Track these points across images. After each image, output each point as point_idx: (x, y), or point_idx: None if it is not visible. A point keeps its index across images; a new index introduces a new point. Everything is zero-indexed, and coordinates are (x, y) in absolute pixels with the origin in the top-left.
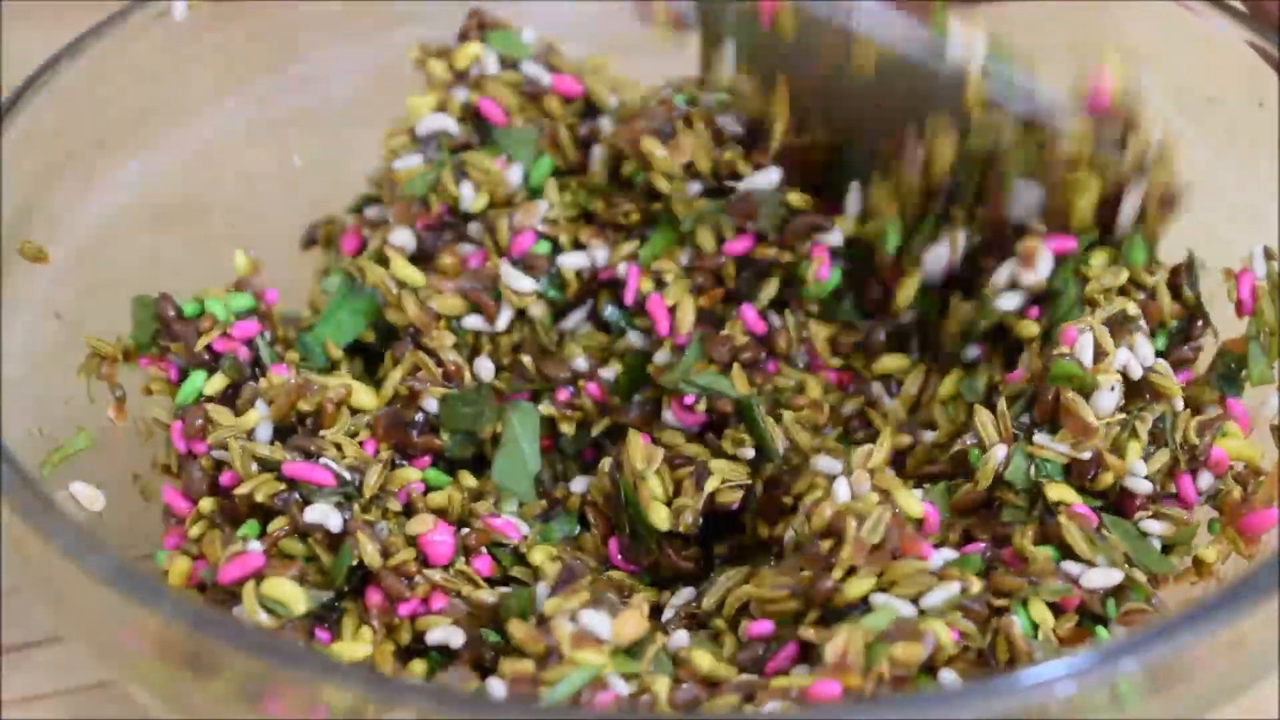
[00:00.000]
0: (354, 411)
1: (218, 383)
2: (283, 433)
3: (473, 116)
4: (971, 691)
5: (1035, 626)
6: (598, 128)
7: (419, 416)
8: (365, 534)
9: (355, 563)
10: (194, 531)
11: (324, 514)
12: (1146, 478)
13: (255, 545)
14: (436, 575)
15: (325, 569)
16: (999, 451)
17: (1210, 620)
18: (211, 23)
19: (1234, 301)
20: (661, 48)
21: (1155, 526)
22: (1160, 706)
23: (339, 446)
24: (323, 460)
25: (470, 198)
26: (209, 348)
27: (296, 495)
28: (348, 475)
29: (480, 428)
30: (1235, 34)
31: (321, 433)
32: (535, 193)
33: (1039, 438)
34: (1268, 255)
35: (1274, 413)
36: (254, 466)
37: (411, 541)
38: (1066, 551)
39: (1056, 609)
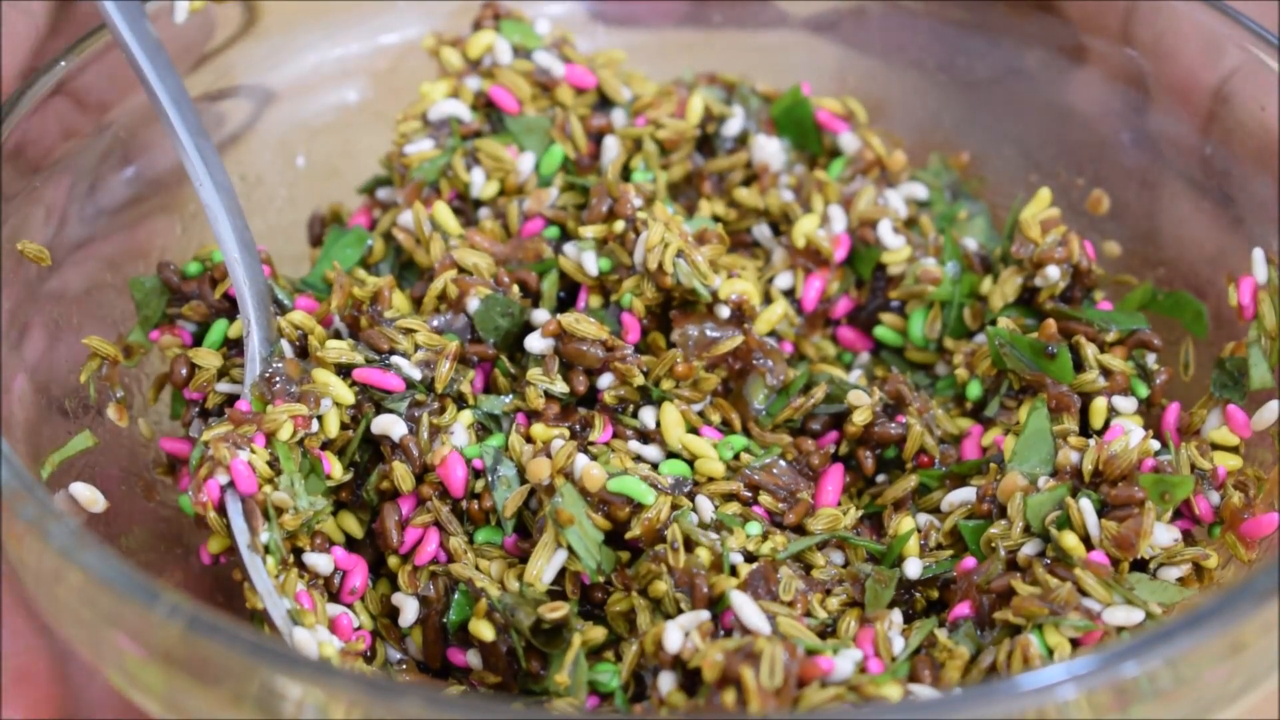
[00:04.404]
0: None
1: (241, 326)
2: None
3: (485, 105)
4: (973, 695)
5: (1051, 651)
6: (610, 121)
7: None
8: (405, 459)
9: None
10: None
11: (388, 425)
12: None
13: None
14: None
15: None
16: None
17: (1210, 625)
18: (212, 24)
19: (1235, 306)
20: None
21: (1173, 572)
22: (1162, 710)
23: (409, 331)
24: (394, 359)
25: (481, 184)
26: (225, 295)
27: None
28: (417, 375)
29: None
30: (1235, 34)
31: (387, 314)
32: (545, 182)
33: (1083, 501)
34: (1268, 259)
35: (1274, 417)
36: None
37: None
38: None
39: (1076, 643)
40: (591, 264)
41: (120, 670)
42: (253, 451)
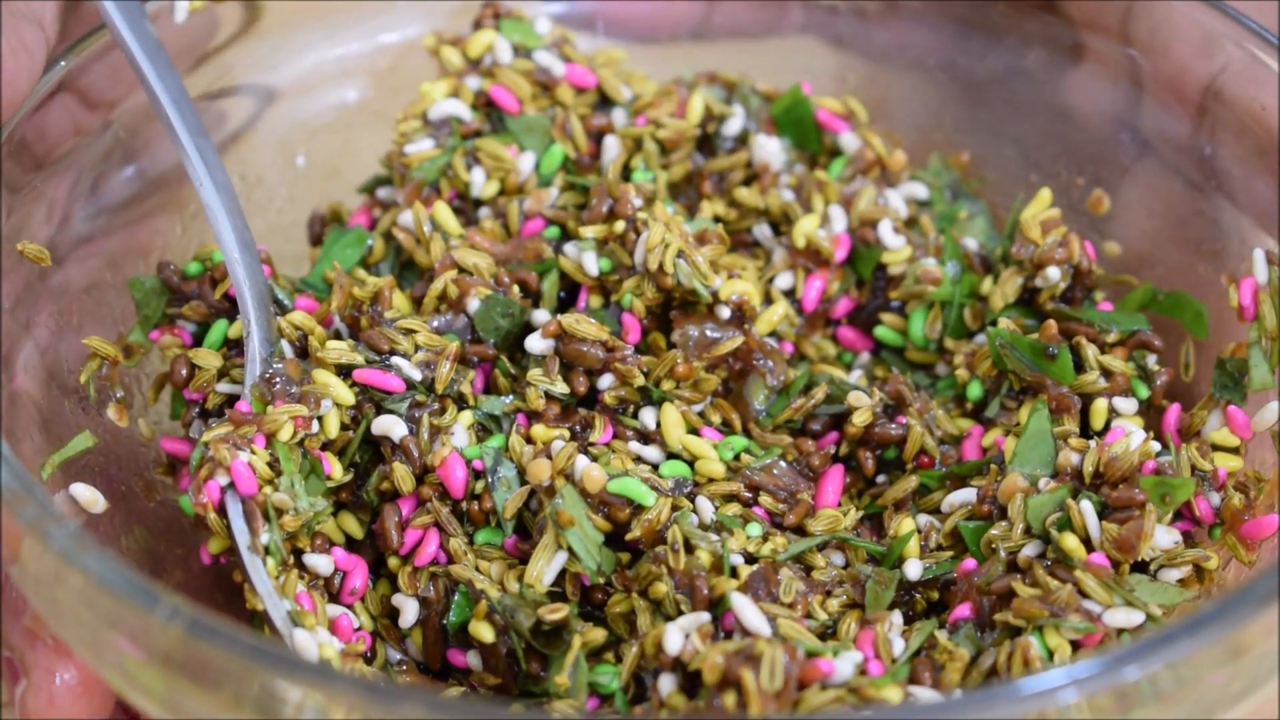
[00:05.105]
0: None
1: (241, 326)
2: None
3: (485, 104)
4: (974, 698)
5: (1051, 653)
6: (610, 121)
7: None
8: (405, 460)
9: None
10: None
11: (389, 426)
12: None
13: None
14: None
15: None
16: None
17: (1211, 628)
18: (212, 24)
19: (1235, 307)
20: None
21: (1174, 574)
22: (1162, 712)
23: (410, 332)
24: (394, 360)
25: (481, 184)
26: (225, 295)
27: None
28: (417, 376)
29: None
30: (1231, 30)
31: (387, 315)
32: (545, 181)
33: (1084, 502)
34: (1269, 260)
35: (1275, 418)
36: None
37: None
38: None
39: (1076, 645)
40: (592, 264)
41: (120, 672)
42: (253, 452)
